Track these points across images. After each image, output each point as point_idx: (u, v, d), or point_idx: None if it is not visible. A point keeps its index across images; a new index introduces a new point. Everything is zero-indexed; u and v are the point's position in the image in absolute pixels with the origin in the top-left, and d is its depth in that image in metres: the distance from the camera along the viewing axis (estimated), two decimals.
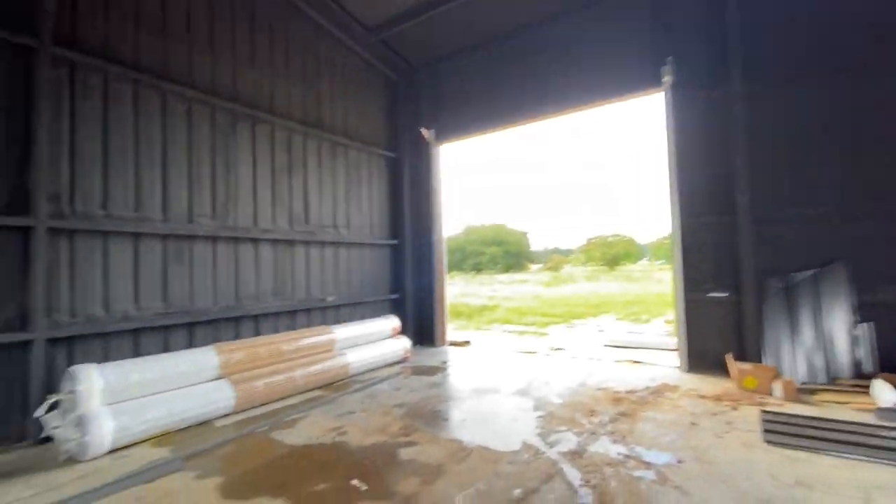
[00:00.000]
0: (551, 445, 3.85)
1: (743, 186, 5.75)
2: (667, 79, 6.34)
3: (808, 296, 5.39)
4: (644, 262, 65.10)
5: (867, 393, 4.72)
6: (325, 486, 3.27)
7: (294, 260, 6.96)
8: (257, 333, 6.26)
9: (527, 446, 3.86)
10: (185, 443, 4.19)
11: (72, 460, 3.79)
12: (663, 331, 10.57)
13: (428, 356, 7.94)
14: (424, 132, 8.94)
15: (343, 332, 6.80)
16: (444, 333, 9.08)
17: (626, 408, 4.78)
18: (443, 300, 9.07)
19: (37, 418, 3.97)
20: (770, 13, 5.76)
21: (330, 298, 7.41)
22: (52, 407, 4.02)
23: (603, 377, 6.10)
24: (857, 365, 5.04)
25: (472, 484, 3.22)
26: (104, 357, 4.68)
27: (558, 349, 8.70)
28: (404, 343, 7.59)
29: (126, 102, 5.05)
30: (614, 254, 57.04)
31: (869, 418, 4.16)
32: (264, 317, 6.44)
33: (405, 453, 3.80)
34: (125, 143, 5.02)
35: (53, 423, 3.96)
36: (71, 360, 4.45)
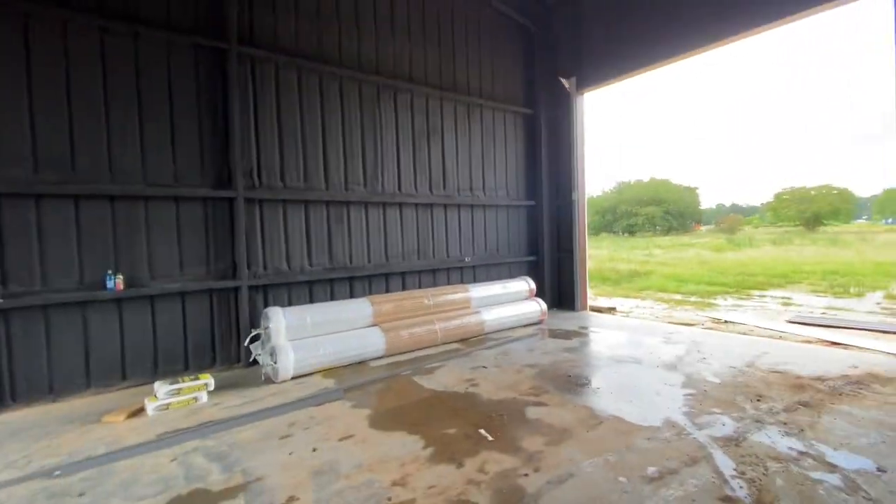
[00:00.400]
0: (700, 427, 3.40)
1: None
2: None
3: None
4: (861, 220, 50.85)
5: None
6: (454, 430, 3.50)
7: (434, 222, 7.37)
8: (403, 289, 6.91)
9: (669, 424, 3.49)
10: (346, 377, 4.94)
11: (268, 381, 4.82)
12: (881, 308, 8.25)
13: (565, 320, 7.70)
14: (564, 81, 8.29)
15: (479, 291, 7.03)
16: (584, 298, 8.66)
17: (810, 397, 3.91)
18: (583, 263, 8.60)
19: (245, 346, 5.14)
20: None
21: (467, 259, 7.69)
22: (255, 338, 5.14)
23: (780, 358, 5.08)
24: None
25: (601, 453, 3.07)
26: (288, 302, 5.75)
27: (724, 322, 7.54)
28: (540, 305, 7.49)
29: (292, 87, 5.85)
30: (815, 211, 45.61)
31: None
32: (409, 274, 7.05)
33: (533, 412, 3.81)
34: (293, 123, 5.86)
35: (256, 351, 5.08)
36: (266, 303, 5.59)
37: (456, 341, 6.33)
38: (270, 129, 5.67)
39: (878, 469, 2.74)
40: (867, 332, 6.39)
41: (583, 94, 8.33)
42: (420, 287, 7.05)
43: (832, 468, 2.77)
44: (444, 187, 7.50)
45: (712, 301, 10.26)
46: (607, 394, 4.24)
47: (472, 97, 7.77)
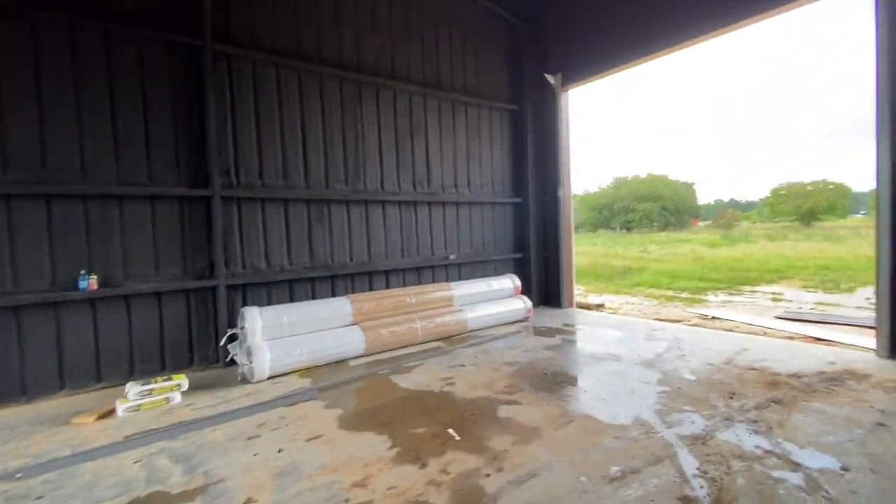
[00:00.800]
0: (669, 426, 3.39)
1: None
2: None
3: None
4: (858, 216, 50.93)
5: None
6: (423, 430, 3.48)
7: (418, 220, 7.32)
8: (387, 287, 6.88)
9: (639, 422, 3.47)
10: (323, 377, 4.91)
11: (243, 381, 4.80)
12: (870, 303, 8.24)
13: (551, 318, 7.68)
14: (549, 78, 8.23)
15: (462, 289, 7.00)
16: (571, 295, 8.64)
17: (784, 394, 3.89)
18: (570, 259, 8.56)
19: (222, 346, 5.11)
20: None
21: (452, 256, 7.66)
22: (232, 338, 5.11)
23: (759, 355, 5.06)
24: None
25: (567, 453, 3.05)
26: (268, 301, 5.71)
27: (710, 318, 7.53)
28: (525, 303, 7.46)
29: (271, 85, 5.79)
30: (811, 206, 45.63)
31: None
32: (393, 272, 7.01)
33: (505, 411, 3.79)
34: (272, 121, 5.80)
35: (234, 351, 5.05)
36: (245, 302, 5.55)
37: (438, 339, 6.31)
38: (248, 127, 5.62)
39: (842, 468, 2.72)
40: (852, 327, 6.38)
41: (568, 90, 8.28)
42: (404, 285, 7.02)
43: (796, 467, 2.75)
44: (429, 185, 7.45)
45: (702, 297, 10.25)
46: (582, 392, 4.23)
47: (457, 94, 7.71)
